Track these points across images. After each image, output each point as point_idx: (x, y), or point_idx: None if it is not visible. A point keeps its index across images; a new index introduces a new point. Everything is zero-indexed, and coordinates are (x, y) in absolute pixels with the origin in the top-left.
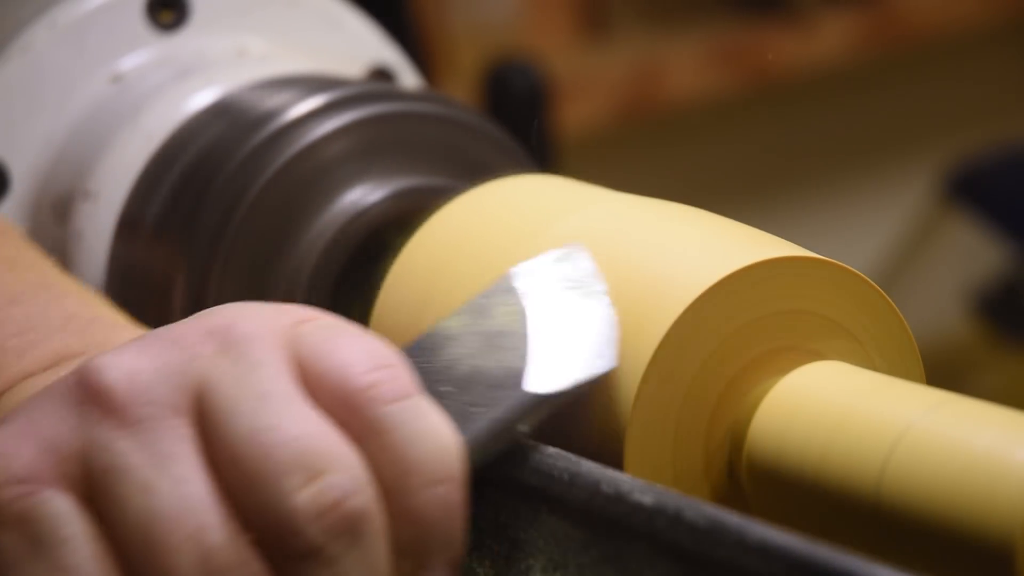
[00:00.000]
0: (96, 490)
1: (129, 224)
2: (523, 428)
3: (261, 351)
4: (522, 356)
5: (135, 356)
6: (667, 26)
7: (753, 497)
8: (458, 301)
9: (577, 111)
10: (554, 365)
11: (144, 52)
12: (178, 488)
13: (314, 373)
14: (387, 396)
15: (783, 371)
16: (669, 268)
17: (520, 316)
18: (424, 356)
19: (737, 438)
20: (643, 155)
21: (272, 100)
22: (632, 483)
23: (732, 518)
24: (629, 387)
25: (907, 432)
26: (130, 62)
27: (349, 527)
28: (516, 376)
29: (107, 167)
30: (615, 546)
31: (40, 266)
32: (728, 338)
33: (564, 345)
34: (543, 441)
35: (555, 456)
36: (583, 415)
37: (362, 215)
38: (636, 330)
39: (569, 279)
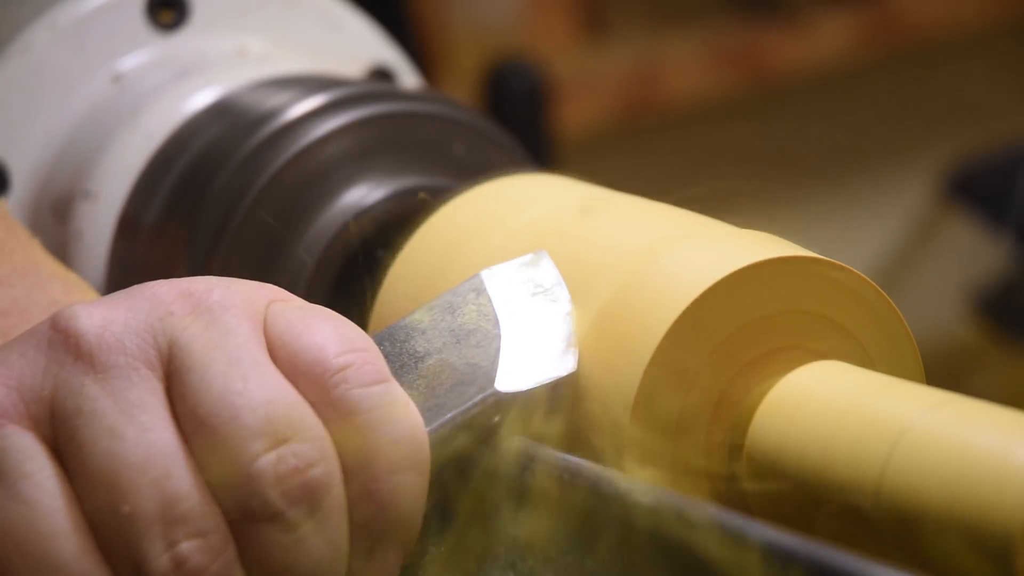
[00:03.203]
0: (62, 433)
1: (129, 224)
2: (487, 425)
3: (235, 319)
4: (489, 355)
5: (110, 307)
6: (667, 26)
7: (753, 497)
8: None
9: (577, 111)
10: (519, 366)
11: (144, 52)
12: (144, 435)
13: (286, 351)
14: (360, 379)
15: (783, 371)
16: (670, 268)
17: (489, 316)
18: (394, 346)
19: (738, 438)
20: (643, 155)
21: (272, 100)
22: (632, 483)
23: (732, 518)
24: (630, 386)
25: (907, 432)
26: (130, 62)
27: (309, 495)
28: (483, 374)
29: (107, 167)
30: (615, 546)
31: (28, 250)
32: (728, 338)
33: (529, 347)
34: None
35: (554, 456)
36: (584, 415)
37: (362, 215)
38: (637, 329)
39: (535, 284)
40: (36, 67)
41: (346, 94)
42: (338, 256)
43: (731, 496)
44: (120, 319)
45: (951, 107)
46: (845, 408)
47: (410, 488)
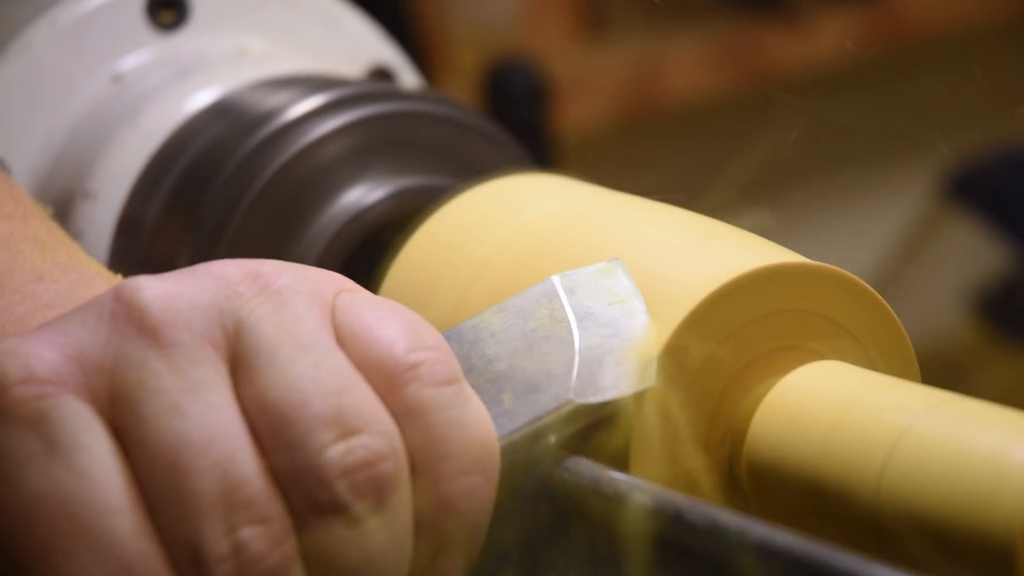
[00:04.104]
0: (122, 408)
1: (129, 224)
2: (559, 436)
3: (304, 304)
4: (564, 363)
5: (175, 282)
6: (667, 26)
7: (753, 497)
8: (457, 300)
9: (577, 111)
10: (597, 376)
11: (144, 52)
12: (210, 415)
13: (355, 343)
14: (432, 378)
15: (783, 371)
16: (671, 272)
17: (563, 323)
18: (462, 347)
19: (737, 438)
20: (643, 155)
21: (272, 100)
22: (632, 483)
23: (732, 518)
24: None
25: (907, 432)
26: (130, 62)
27: (377, 490)
28: (558, 382)
29: (107, 167)
30: (615, 546)
31: (69, 248)
32: (728, 338)
33: (607, 358)
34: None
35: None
36: None
37: (362, 215)
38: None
39: (610, 292)
40: (36, 67)
41: (346, 94)
42: (338, 256)
43: (731, 496)
44: (186, 295)
45: (951, 107)
46: (845, 408)
47: (478, 493)
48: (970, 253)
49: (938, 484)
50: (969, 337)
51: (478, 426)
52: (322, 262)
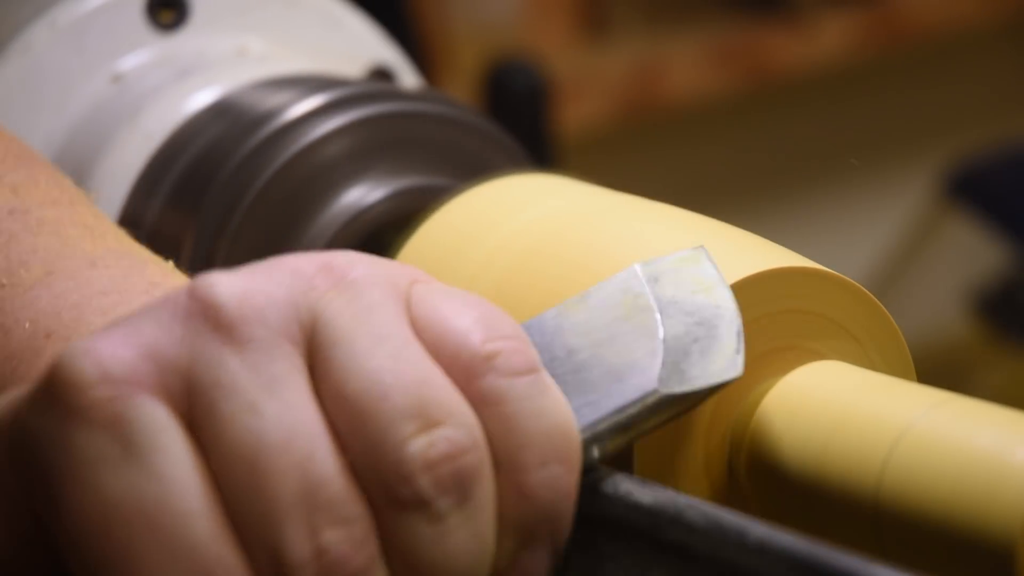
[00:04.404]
0: (198, 407)
1: (129, 224)
2: (643, 427)
3: (380, 296)
4: (649, 352)
5: (250, 278)
6: (667, 26)
7: (753, 497)
8: None
9: (577, 111)
10: (682, 366)
11: (144, 52)
12: (288, 413)
13: (431, 333)
14: (509, 368)
15: (783, 371)
16: None
17: (647, 312)
18: (543, 337)
19: (737, 438)
20: (643, 155)
21: (272, 100)
22: (632, 483)
23: (732, 518)
24: None
25: (907, 432)
26: (130, 62)
27: (460, 484)
28: (643, 371)
29: (107, 167)
30: (614, 546)
31: (117, 234)
32: None
33: (692, 347)
34: None
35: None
36: None
37: (362, 215)
38: None
39: (694, 280)
40: (36, 67)
41: (346, 94)
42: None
43: (731, 496)
44: (261, 291)
45: (951, 107)
46: (845, 408)
47: (560, 484)
48: (970, 253)
49: (938, 484)
50: (969, 337)
51: (557, 415)
52: None
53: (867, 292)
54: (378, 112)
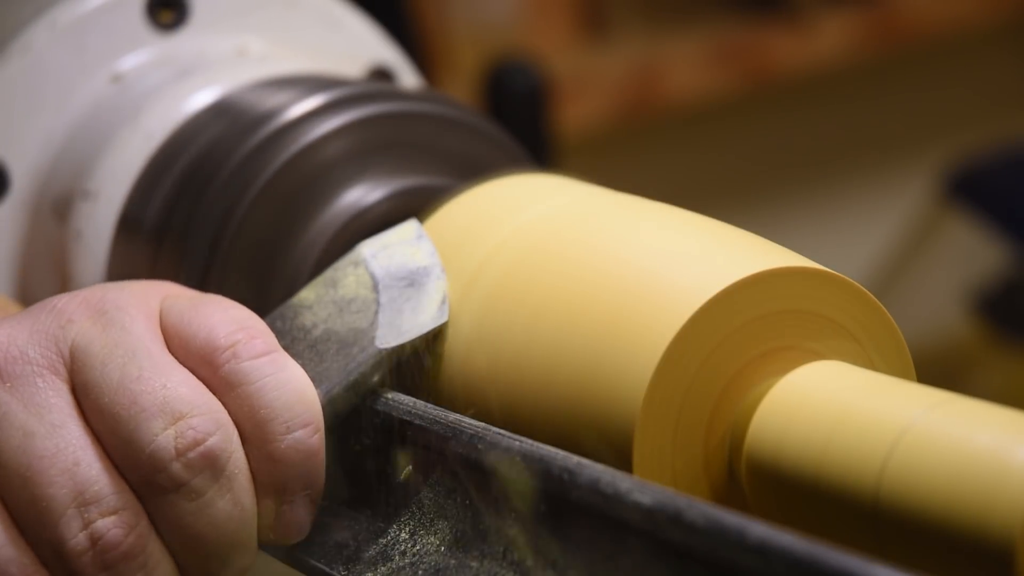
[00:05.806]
0: None
1: (129, 224)
2: (374, 380)
3: (130, 318)
4: (368, 318)
5: (15, 324)
6: (667, 26)
7: (753, 497)
8: (458, 299)
9: (577, 111)
10: (397, 322)
11: (144, 52)
12: (55, 432)
13: (180, 339)
14: (248, 352)
15: (783, 371)
16: (672, 274)
17: (367, 284)
18: (284, 323)
19: (737, 438)
20: (643, 155)
21: (271, 100)
22: (631, 483)
23: (732, 518)
24: (636, 391)
25: (907, 432)
26: (130, 62)
27: (210, 463)
28: (364, 335)
29: (107, 167)
30: (615, 546)
31: None
32: (728, 338)
33: (405, 306)
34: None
35: (554, 456)
36: (586, 415)
37: (362, 215)
38: (640, 335)
39: (408, 251)
40: (36, 67)
41: (346, 94)
42: (338, 255)
43: (731, 496)
44: (24, 333)
45: (951, 107)
46: (845, 408)
47: (306, 445)
48: (970, 253)
49: (938, 484)
50: (969, 337)
51: (296, 386)
52: (322, 261)
53: (867, 292)
54: (378, 112)
